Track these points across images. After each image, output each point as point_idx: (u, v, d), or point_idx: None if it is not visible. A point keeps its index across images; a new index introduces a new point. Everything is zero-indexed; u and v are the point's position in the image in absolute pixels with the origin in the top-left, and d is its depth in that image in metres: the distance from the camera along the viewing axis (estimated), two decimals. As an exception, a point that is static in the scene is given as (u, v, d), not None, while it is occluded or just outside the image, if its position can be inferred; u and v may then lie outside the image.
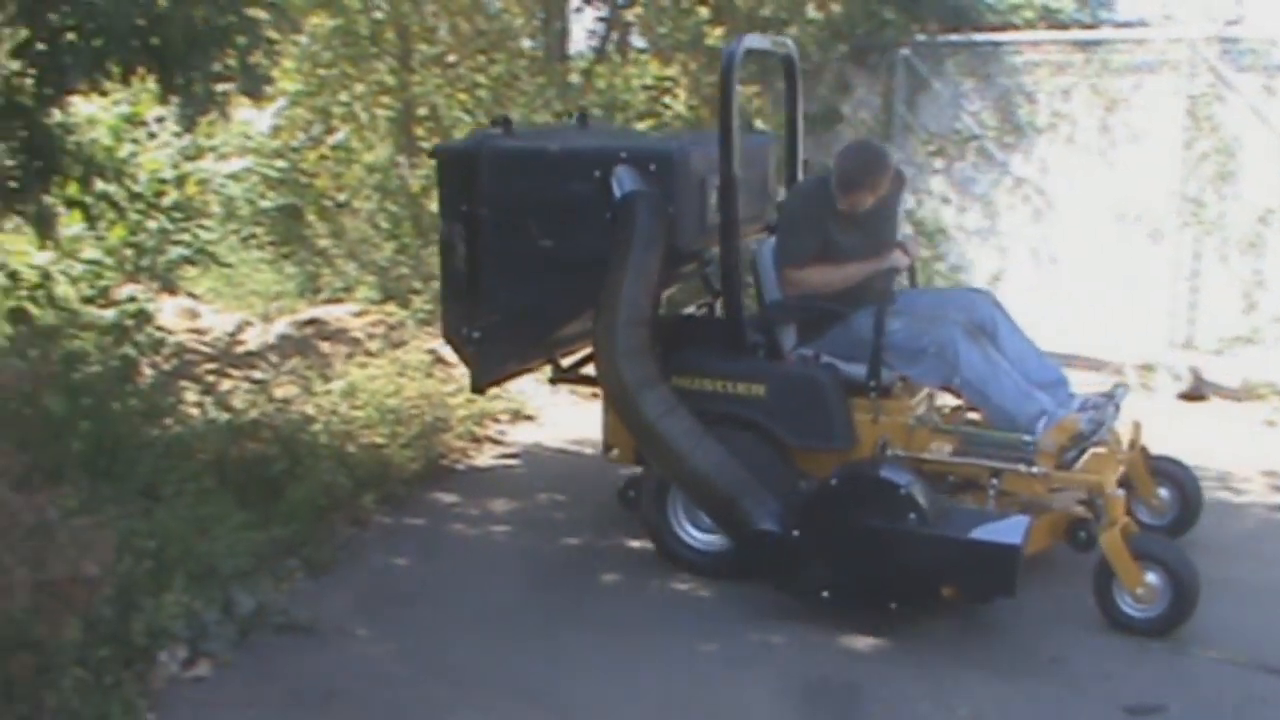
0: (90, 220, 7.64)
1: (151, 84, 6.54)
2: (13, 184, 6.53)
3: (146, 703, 4.70)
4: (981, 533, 5.24)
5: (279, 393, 7.64)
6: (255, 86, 6.02)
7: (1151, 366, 9.53)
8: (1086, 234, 10.21)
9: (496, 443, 7.95)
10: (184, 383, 7.57)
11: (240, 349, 8.30)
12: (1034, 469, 5.64)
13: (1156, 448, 6.41)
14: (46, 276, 7.78)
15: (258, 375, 7.77)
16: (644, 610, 5.67)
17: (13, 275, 7.68)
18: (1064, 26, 11.65)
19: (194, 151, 9.54)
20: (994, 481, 5.68)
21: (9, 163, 6.57)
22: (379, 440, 7.36)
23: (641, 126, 10.69)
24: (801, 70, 7.43)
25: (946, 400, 6.50)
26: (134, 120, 8.66)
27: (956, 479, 5.89)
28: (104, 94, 6.70)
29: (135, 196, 8.32)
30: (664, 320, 6.36)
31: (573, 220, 5.94)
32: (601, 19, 12.11)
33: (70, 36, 5.60)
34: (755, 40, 6.46)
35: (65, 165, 6.87)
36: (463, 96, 11.26)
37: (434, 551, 6.37)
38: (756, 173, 6.73)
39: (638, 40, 12.12)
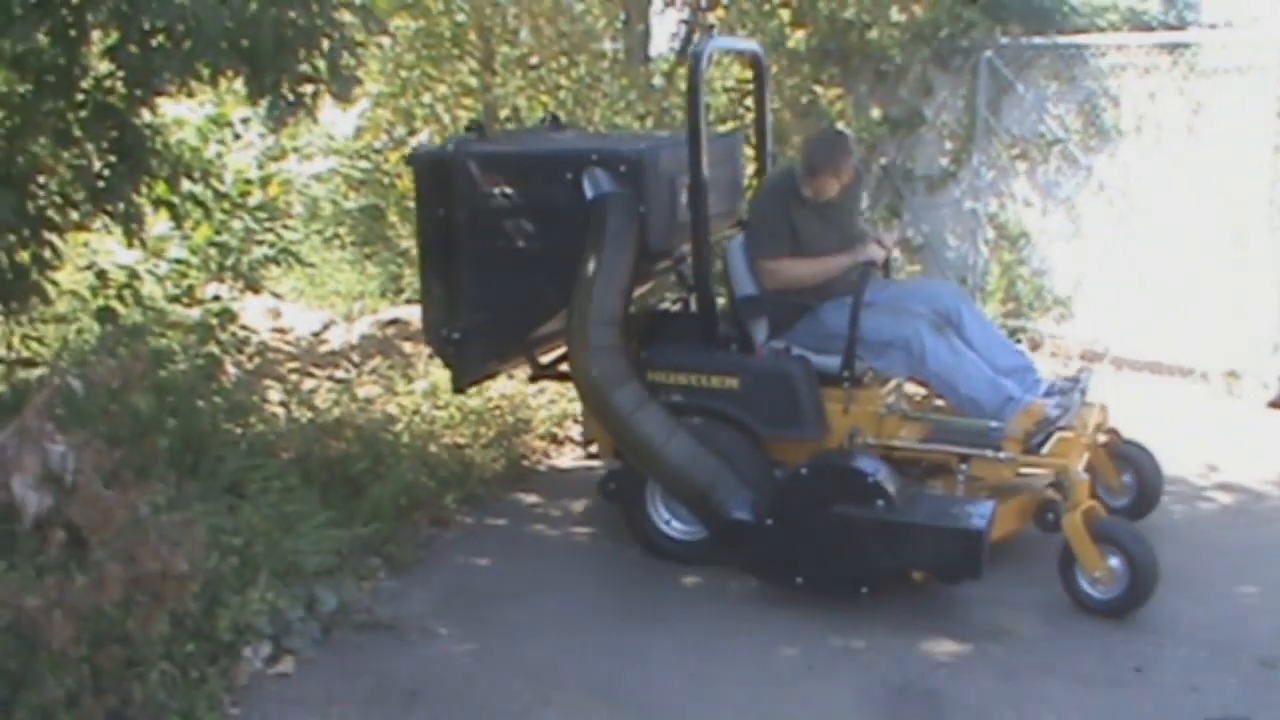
0: (178, 220, 7.73)
1: (238, 85, 6.63)
2: (101, 184, 6.61)
3: (230, 698, 4.77)
4: (948, 518, 5.44)
5: (361, 392, 7.71)
6: (344, 89, 6.06)
7: (1238, 374, 9.41)
8: (1171, 238, 10.08)
9: (577, 444, 7.98)
10: (267, 381, 7.64)
11: (323, 348, 8.36)
12: (1001, 454, 5.85)
13: (1241, 456, 6.36)
14: (134, 276, 7.87)
15: (340, 374, 7.84)
16: (724, 613, 5.67)
17: (100, 274, 7.78)
18: (1149, 29, 11.54)
19: (277, 152, 9.60)
20: (963, 467, 5.89)
21: (98, 163, 6.66)
22: (461, 440, 7.42)
23: (723, 129, 10.69)
24: (884, 73, 7.45)
25: (916, 389, 6.65)
26: (220, 121, 8.74)
27: (927, 465, 6.02)
28: (191, 95, 6.77)
29: (221, 196, 8.40)
30: (639, 316, 6.59)
31: (547, 221, 6.04)
32: (683, 21, 12.14)
33: (160, 39, 5.66)
34: (724, 41, 6.51)
35: (154, 165, 6.95)
36: (545, 98, 11.29)
37: (515, 552, 6.41)
38: (725, 171, 6.83)
39: (719, 42, 12.13)
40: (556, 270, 5.94)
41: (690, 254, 6.25)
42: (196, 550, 3.70)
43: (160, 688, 4.56)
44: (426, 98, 11.43)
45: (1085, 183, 10.64)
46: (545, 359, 6.95)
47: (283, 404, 7.37)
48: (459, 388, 6.50)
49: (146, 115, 6.83)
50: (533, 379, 7.15)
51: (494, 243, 6.07)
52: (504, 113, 11.45)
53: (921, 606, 5.66)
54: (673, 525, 6.26)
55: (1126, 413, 6.97)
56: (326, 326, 9.67)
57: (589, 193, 5.91)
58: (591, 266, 5.77)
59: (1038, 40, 10.95)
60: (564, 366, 6.84)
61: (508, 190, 6.06)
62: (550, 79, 11.36)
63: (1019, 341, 10.17)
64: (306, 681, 4.97)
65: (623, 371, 5.81)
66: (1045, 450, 5.85)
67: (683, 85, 10.95)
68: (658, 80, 11.30)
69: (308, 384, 7.73)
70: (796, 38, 11.41)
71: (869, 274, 6.26)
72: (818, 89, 11.60)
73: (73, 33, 5.89)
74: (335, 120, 11.18)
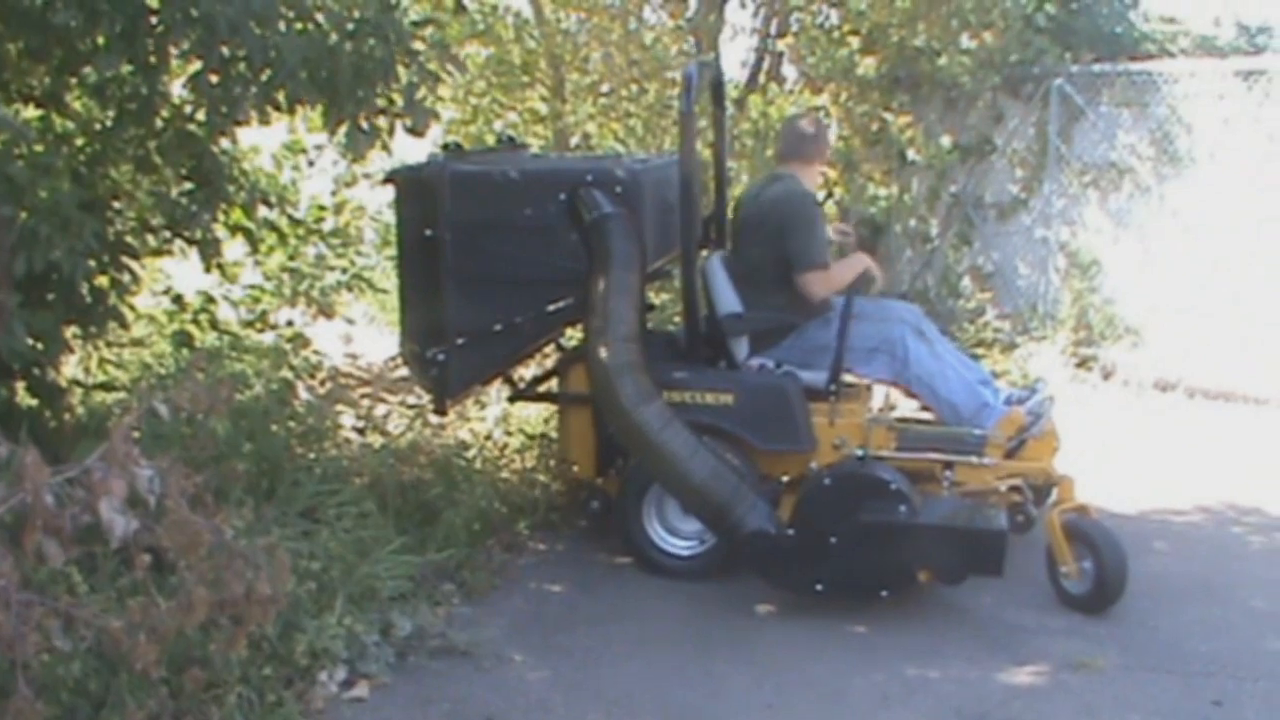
0: (253, 245, 7.79)
1: (313, 113, 6.68)
2: (179, 210, 6.67)
3: (307, 722, 4.78)
4: (971, 519, 5.70)
5: (434, 418, 7.72)
6: (420, 122, 6.08)
7: (1314, 404, 9.33)
8: (1245, 266, 9.99)
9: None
10: (340, 406, 7.66)
11: (395, 374, 8.37)
12: (985, 459, 6.18)
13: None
14: (209, 301, 7.93)
15: (412, 400, 7.84)
16: (798, 641, 5.62)
17: (177, 299, 7.84)
18: (1223, 55, 11.46)
19: (350, 178, 9.65)
20: (947, 473, 6.14)
21: (176, 190, 6.73)
22: (533, 467, 7.42)
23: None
24: (954, 100, 7.52)
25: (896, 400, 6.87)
26: (295, 148, 8.79)
27: (909, 471, 6.07)
28: (269, 124, 6.83)
29: (296, 223, 8.45)
30: None
31: (538, 242, 6.02)
32: (754, 49, 12.14)
33: (240, 68, 5.71)
34: (698, 65, 6.51)
35: (230, 192, 7.01)
36: (615, 125, 11.32)
37: (588, 578, 6.39)
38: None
39: (789, 70, 12.12)
40: (547, 291, 6.04)
41: (680, 274, 6.40)
42: (280, 574, 3.71)
43: (238, 711, 4.58)
44: (498, 124, 11.48)
45: (1158, 210, 10.57)
46: (522, 375, 7.09)
47: (356, 429, 7.39)
48: (441, 409, 6.46)
49: (225, 143, 6.89)
50: (512, 399, 7.21)
51: (482, 263, 6.03)
52: (574, 139, 11.49)
53: (996, 637, 5.62)
54: (669, 540, 6.38)
55: (1200, 443, 6.91)
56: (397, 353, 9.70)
57: (589, 214, 5.93)
58: (602, 286, 5.78)
59: (1109, 67, 10.91)
60: (544, 388, 7.10)
61: (498, 210, 6.04)
62: (620, 106, 11.39)
63: (1089, 369, 10.12)
64: (382, 707, 4.96)
65: (648, 389, 5.80)
66: (1021, 455, 6.20)
67: (753, 112, 11.02)
68: (729, 108, 11.30)
69: (380, 409, 7.74)
70: (866, 64, 11.40)
71: (860, 287, 6.51)
72: (887, 116, 11.59)
73: (154, 61, 5.96)
74: (408, 146, 11.23)
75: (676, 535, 6.39)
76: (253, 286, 8.41)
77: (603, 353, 5.74)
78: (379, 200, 9.53)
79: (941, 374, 6.38)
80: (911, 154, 11.55)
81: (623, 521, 6.43)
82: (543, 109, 11.52)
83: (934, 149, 11.43)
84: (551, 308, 6.10)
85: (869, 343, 6.41)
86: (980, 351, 10.61)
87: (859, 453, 5.96)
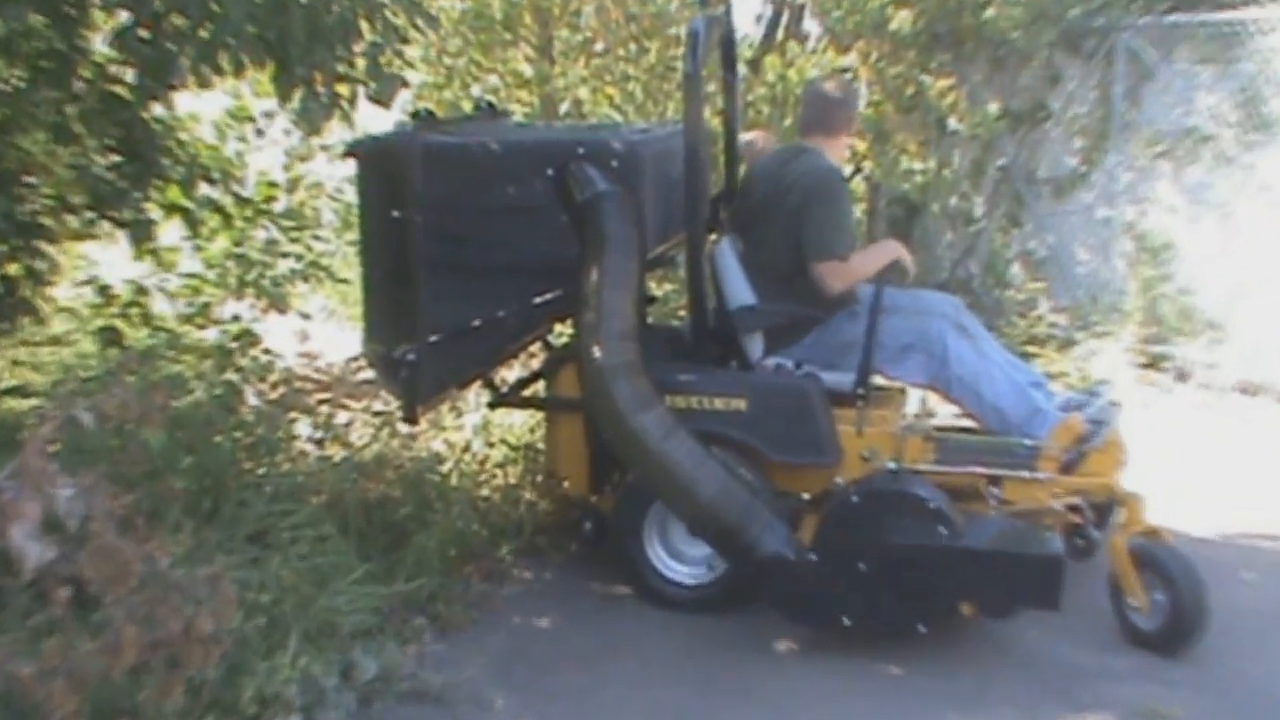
0: (192, 228, 7.76)
1: (261, 76, 6.65)
2: (105, 187, 6.63)
3: (254, 780, 4.76)
4: (1022, 543, 5.66)
5: (403, 427, 7.69)
6: (386, 91, 6.06)
7: None
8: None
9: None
10: (295, 414, 7.64)
11: (358, 376, 8.35)
12: (1038, 474, 6.09)
13: None
14: (141, 292, 7.90)
15: (378, 406, 7.82)
16: (822, 685, 5.60)
17: (103, 290, 7.81)
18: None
19: (305, 152, 9.63)
20: (994, 490, 6.08)
21: (101, 163, 6.69)
22: (517, 482, 7.41)
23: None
24: (1003, 59, 7.50)
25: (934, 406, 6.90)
26: (240, 116, 8.77)
27: (949, 487, 6.03)
28: (209, 88, 6.79)
29: (242, 202, 8.43)
30: None
31: (523, 225, 6.04)
32: (770, 1, 12.13)
33: (177, 23, 5.68)
34: (705, 21, 6.48)
35: (165, 166, 6.97)
36: (611, 90, 11.29)
37: (580, 611, 6.37)
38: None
39: (811, 25, 12.11)
40: (533, 281, 6.04)
41: (686, 261, 6.38)
42: (224, 609, 3.69)
43: (173, 768, 4.56)
44: (476, 90, 11.45)
45: (1243, 184, 10.52)
46: (505, 376, 7.06)
47: (312, 440, 7.35)
48: (410, 417, 6.43)
49: (158, 110, 6.86)
50: (493, 405, 7.20)
51: (459, 249, 6.03)
52: (564, 106, 11.47)
53: (1051, 680, 5.60)
54: (673, 567, 6.39)
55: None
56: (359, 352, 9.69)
57: (580, 192, 5.92)
58: (595, 275, 5.76)
59: (1185, 18, 10.86)
60: (529, 392, 7.06)
61: (477, 188, 6.04)
62: (617, 68, 11.36)
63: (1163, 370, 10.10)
64: (342, 761, 4.96)
65: (647, 393, 5.77)
66: (1080, 469, 6.13)
67: (770, 75, 11.00)
68: (740, 69, 11.27)
69: (341, 417, 7.71)
70: (901, 19, 11.35)
71: (890, 277, 6.45)
72: (925, 79, 11.54)
73: (73, 12, 5.92)
74: (373, 115, 11.21)
75: (682, 561, 6.38)
76: (192, 275, 8.38)
77: (596, 352, 5.71)
78: (339, 176, 9.51)
79: (987, 375, 6.36)
80: (953, 122, 11.53)
81: (620, 545, 6.43)
82: (527, 71, 11.48)
83: (979, 116, 11.40)
84: (538, 300, 6.09)
85: (902, 339, 6.40)
86: (1032, 350, 10.60)
87: (891, 466, 5.92)
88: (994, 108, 11.49)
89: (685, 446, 5.73)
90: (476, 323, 6.09)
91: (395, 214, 5.98)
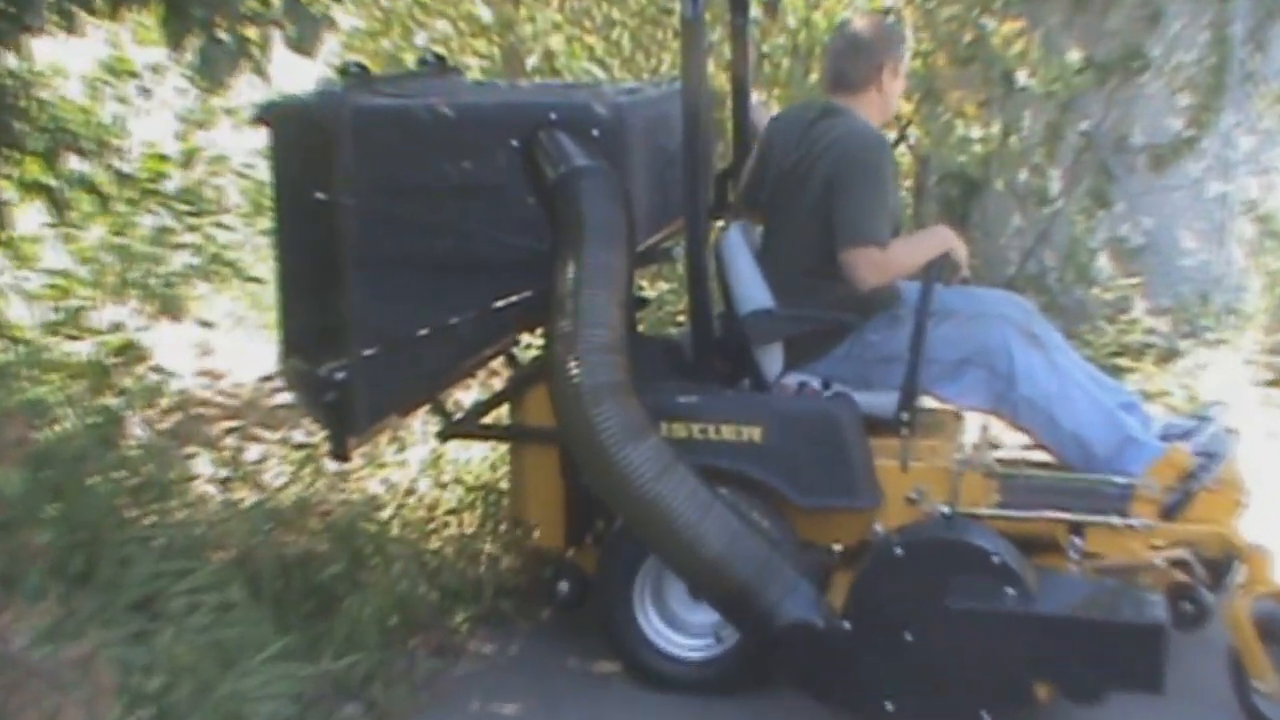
0: (58, 212, 7.72)
1: (146, 18, 6.59)
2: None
3: None
4: (1114, 609, 5.54)
5: (331, 464, 7.64)
6: (307, 36, 6.01)
7: None
8: None
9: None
10: (193, 448, 7.60)
11: (274, 400, 8.35)
12: (1132, 520, 5.93)
13: None
14: (-9, 292, 7.90)
15: (300, 438, 7.79)
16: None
17: (-59, 291, 7.81)
18: None
19: (203, 116, 9.63)
20: (1075, 540, 5.92)
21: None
22: (474, 533, 7.37)
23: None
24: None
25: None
26: (120, 70, 8.75)
27: (1019, 537, 5.96)
28: (78, 33, 6.75)
29: (123, 179, 8.39)
30: None
31: (479, 209, 5.99)
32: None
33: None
34: None
35: (21, 134, 6.93)
36: (591, 40, 11.29)
37: (554, 693, 6.36)
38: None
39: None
40: (494, 281, 5.99)
41: (685, 254, 6.31)
42: (100, 698, 3.63)
43: None
44: (421, 38, 11.45)
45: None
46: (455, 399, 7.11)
47: (216, 481, 7.32)
48: (340, 452, 6.41)
49: (11, 60, 6.82)
50: (444, 436, 7.13)
51: (400, 240, 5.99)
52: (531, 59, 11.46)
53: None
54: (672, 639, 6.32)
55: None
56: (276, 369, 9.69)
57: (552, 169, 5.87)
58: (571, 273, 5.67)
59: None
60: (490, 419, 7.04)
61: (422, 163, 6.00)
62: (599, 10, 11.36)
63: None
64: None
65: (638, 420, 5.67)
66: (1186, 514, 6.00)
67: (790, 20, 10.99)
68: (753, 14, 11.26)
69: (252, 452, 7.69)
70: (954, -57, 11.39)
71: (939, 272, 6.34)
72: (987, 22, 11.52)
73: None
74: (290, 70, 11.21)
75: (682, 630, 6.31)
76: (58, 273, 8.35)
77: (573, 368, 5.61)
78: (248, 148, 9.49)
79: (1064, 396, 6.24)
80: (1022, 76, 11.51)
81: (605, 611, 6.37)
82: (485, 15, 11.48)
83: (1055, 68, 11.38)
84: (500, 304, 6.02)
85: (957, 352, 6.30)
86: (1125, 364, 10.58)
87: (944, 510, 5.86)
88: (1075, 57, 11.47)
89: (686, 487, 5.63)
90: (422, 333, 6.03)
91: (319, 196, 5.95)
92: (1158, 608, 5.50)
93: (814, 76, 10.37)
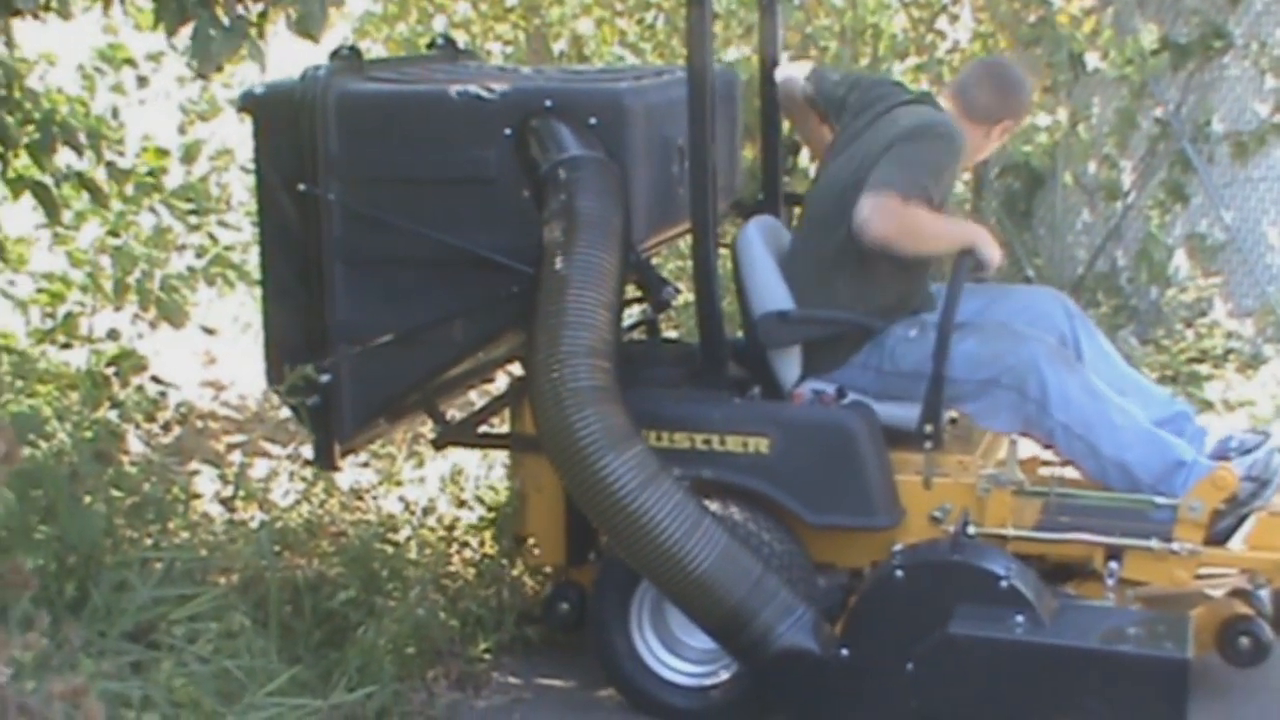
0: (52, 211, 7.72)
1: (142, 3, 6.60)
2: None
3: None
4: (1133, 641, 5.44)
5: (344, 480, 7.64)
6: (315, 21, 6.01)
7: None
8: None
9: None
10: (195, 465, 7.59)
11: (281, 412, 8.34)
12: (1174, 545, 5.87)
13: None
14: (-21, 298, 7.90)
15: (309, 453, 7.79)
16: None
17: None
18: None
19: (206, 108, 9.64)
20: (1112, 565, 5.90)
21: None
22: (497, 554, 7.37)
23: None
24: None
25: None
26: (114, 58, 8.76)
27: (1054, 562, 6.03)
28: (67, 16, 6.76)
29: (122, 176, 8.40)
30: None
31: (471, 202, 6.04)
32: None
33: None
34: None
35: (8, 126, 6.94)
36: (623, 24, 11.28)
37: (584, 726, 6.33)
38: (723, 127, 6.77)
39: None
40: (485, 276, 6.02)
41: (693, 251, 6.33)
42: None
43: None
44: (440, 20, 11.45)
45: None
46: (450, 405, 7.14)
47: (220, 499, 7.30)
48: (328, 460, 6.50)
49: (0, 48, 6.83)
50: (438, 445, 7.20)
51: (387, 236, 6.04)
52: (559, 44, 11.46)
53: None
54: (671, 665, 6.32)
55: None
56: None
57: (545, 158, 5.89)
58: (560, 271, 5.70)
59: None
60: (489, 427, 7.12)
61: (410, 153, 6.04)
62: (632, -5, 11.39)
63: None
64: None
65: (621, 427, 5.69)
66: (1241, 539, 5.94)
67: (837, 1, 10.98)
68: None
69: (259, 468, 7.68)
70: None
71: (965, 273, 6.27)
72: (1054, 0, 11.50)
73: None
74: (299, 58, 11.22)
75: (682, 655, 6.32)
76: (51, 276, 8.35)
77: (553, 371, 5.65)
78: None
79: (1104, 420, 6.15)
80: (1092, 59, 11.48)
81: (600, 634, 6.38)
82: (511, -2, 11.51)
83: (1128, 49, 11.34)
84: (491, 303, 6.08)
85: (983, 371, 6.22)
86: (1205, 371, 10.53)
87: (969, 529, 5.83)
88: (1150, 37, 11.43)
89: (671, 500, 5.66)
90: (410, 331, 6.13)
91: (302, 187, 6.06)
92: (1184, 641, 5.39)
93: (863, 62, 10.35)
